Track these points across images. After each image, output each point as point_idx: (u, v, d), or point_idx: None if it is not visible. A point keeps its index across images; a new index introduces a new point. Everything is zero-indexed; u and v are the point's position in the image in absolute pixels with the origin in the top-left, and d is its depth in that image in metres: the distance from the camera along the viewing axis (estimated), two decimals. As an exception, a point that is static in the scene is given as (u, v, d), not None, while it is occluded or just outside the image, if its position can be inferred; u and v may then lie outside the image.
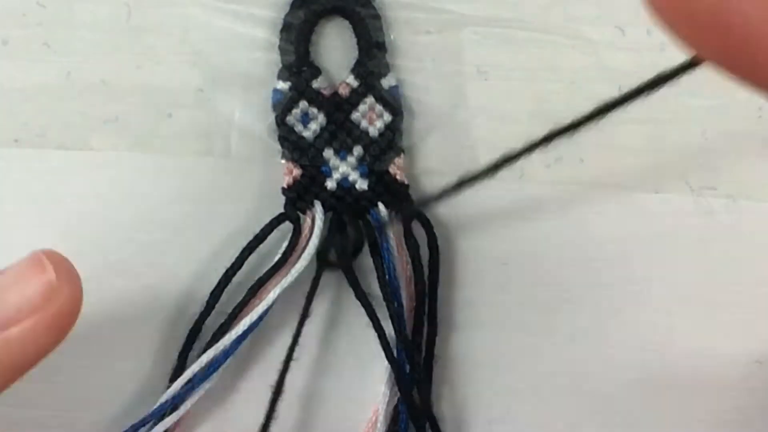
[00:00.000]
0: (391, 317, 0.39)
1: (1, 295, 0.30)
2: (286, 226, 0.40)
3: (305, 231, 0.40)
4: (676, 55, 0.40)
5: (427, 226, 0.40)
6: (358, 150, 0.40)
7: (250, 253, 0.40)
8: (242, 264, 0.40)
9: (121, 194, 0.41)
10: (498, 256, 0.41)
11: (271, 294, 0.39)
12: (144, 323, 0.41)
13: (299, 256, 0.39)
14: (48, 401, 0.41)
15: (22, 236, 0.41)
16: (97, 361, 0.41)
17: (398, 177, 0.40)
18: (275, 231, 0.40)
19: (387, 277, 0.39)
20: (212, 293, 0.40)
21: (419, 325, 0.40)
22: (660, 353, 0.40)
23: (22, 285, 0.30)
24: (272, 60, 0.40)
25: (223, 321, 0.39)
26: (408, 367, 0.39)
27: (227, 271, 0.40)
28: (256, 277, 0.40)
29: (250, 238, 0.40)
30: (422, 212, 0.40)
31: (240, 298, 0.40)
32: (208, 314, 0.40)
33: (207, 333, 0.40)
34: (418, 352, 0.40)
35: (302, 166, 0.40)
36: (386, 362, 0.39)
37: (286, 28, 0.40)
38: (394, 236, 0.40)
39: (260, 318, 0.39)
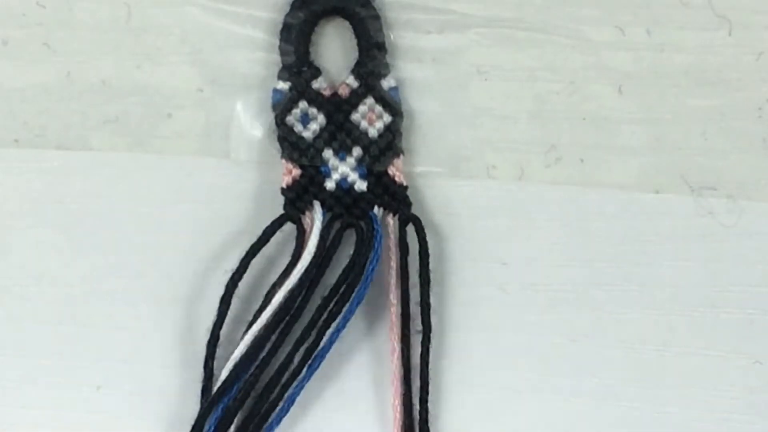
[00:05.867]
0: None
1: None
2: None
3: (307, 233, 0.39)
4: (676, 56, 0.41)
5: (420, 232, 0.40)
6: (357, 151, 0.40)
7: (253, 257, 0.39)
8: (246, 268, 0.39)
9: (121, 194, 0.41)
10: (498, 256, 0.41)
11: (277, 297, 0.39)
12: (143, 323, 0.41)
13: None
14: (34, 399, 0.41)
15: (21, 236, 0.41)
16: (95, 361, 0.41)
17: (397, 178, 0.40)
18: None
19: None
20: (222, 300, 0.39)
21: (406, 330, 0.40)
22: (660, 353, 0.40)
23: None
24: (272, 60, 0.40)
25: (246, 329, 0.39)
26: None
27: (232, 276, 0.39)
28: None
29: (250, 237, 0.40)
30: (416, 217, 0.40)
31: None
32: (222, 322, 0.39)
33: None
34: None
35: (301, 167, 0.40)
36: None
37: (286, 28, 0.40)
38: (391, 237, 0.40)
39: (274, 322, 0.39)
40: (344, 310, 0.39)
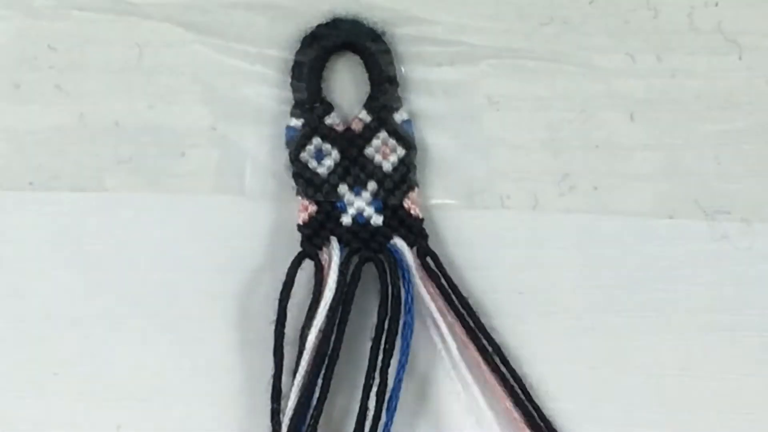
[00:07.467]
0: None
1: None
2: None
3: (326, 269, 0.39)
4: (687, 81, 0.41)
5: (438, 265, 0.40)
6: (372, 185, 0.40)
7: (287, 301, 0.39)
8: (285, 314, 0.39)
9: (136, 234, 0.41)
10: (514, 286, 0.41)
11: (310, 340, 0.38)
12: (161, 362, 0.41)
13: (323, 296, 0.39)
14: None
15: (38, 278, 0.41)
16: (114, 401, 0.41)
17: (412, 211, 0.40)
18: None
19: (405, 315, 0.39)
20: (275, 352, 0.39)
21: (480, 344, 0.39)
22: (679, 377, 0.40)
23: None
24: (284, 97, 0.40)
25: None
26: None
27: (276, 325, 0.39)
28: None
29: (266, 274, 0.40)
30: (432, 251, 0.40)
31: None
32: (281, 373, 0.39)
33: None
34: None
35: (317, 203, 0.40)
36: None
37: (298, 65, 0.40)
38: (416, 269, 0.40)
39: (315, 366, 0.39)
40: (400, 344, 0.38)
